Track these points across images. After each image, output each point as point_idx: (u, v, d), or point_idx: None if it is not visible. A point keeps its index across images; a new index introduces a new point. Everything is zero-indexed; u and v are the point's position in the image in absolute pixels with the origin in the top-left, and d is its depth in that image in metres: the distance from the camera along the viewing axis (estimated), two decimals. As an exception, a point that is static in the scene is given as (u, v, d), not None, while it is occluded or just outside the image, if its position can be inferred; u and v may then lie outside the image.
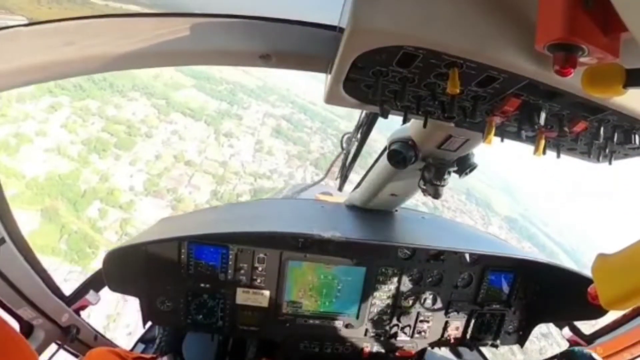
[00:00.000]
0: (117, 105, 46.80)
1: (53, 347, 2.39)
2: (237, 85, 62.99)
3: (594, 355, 2.07)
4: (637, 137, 1.22)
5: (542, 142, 1.22)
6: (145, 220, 31.69)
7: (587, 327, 2.86)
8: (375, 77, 1.12)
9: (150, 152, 42.23)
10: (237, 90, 62.39)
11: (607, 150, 1.34)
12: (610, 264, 0.71)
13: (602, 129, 1.21)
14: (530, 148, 1.29)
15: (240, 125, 53.21)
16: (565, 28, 0.71)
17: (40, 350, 2.25)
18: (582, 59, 0.75)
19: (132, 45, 1.29)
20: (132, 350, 2.94)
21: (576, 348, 2.20)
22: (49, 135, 37.91)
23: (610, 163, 1.39)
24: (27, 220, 28.35)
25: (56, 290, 2.29)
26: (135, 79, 51.43)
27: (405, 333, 2.75)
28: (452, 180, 2.00)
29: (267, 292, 2.54)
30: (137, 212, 35.72)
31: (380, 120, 2.00)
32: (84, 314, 2.58)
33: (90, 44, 1.27)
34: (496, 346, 2.87)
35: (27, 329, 2.21)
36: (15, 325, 2.16)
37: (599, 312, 2.41)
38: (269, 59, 1.41)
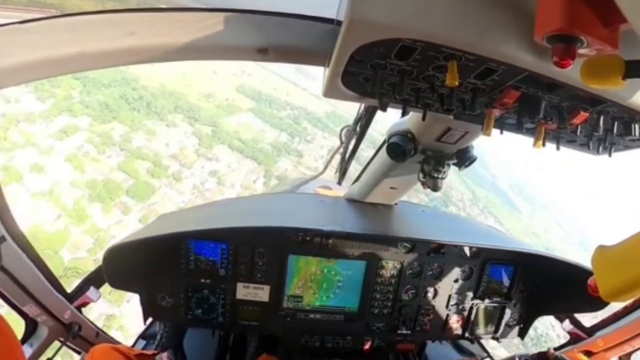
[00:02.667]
0: (149, 132, 37.47)
1: (56, 343, 2.39)
2: (302, 112, 52.32)
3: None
4: (637, 128, 1.21)
5: (542, 134, 1.22)
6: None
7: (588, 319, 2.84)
8: (374, 70, 1.12)
9: (172, 203, 32.14)
10: (302, 117, 51.63)
11: (607, 142, 1.34)
12: (610, 255, 0.71)
13: (601, 121, 1.21)
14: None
15: (299, 165, 43.26)
16: (564, 19, 0.70)
17: (44, 347, 2.26)
18: (581, 51, 0.75)
19: (123, 42, 1.28)
20: (132, 346, 2.95)
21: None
22: (45, 172, 29.68)
23: (610, 155, 1.39)
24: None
25: (58, 287, 2.30)
26: (179, 99, 40.82)
27: (406, 326, 2.75)
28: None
29: (267, 287, 2.54)
30: (130, 305, 23.51)
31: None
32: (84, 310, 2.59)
33: (89, 40, 1.26)
34: (497, 339, 2.88)
35: (32, 326, 2.22)
36: (21, 322, 2.17)
37: (600, 304, 2.42)
38: (266, 53, 1.40)
